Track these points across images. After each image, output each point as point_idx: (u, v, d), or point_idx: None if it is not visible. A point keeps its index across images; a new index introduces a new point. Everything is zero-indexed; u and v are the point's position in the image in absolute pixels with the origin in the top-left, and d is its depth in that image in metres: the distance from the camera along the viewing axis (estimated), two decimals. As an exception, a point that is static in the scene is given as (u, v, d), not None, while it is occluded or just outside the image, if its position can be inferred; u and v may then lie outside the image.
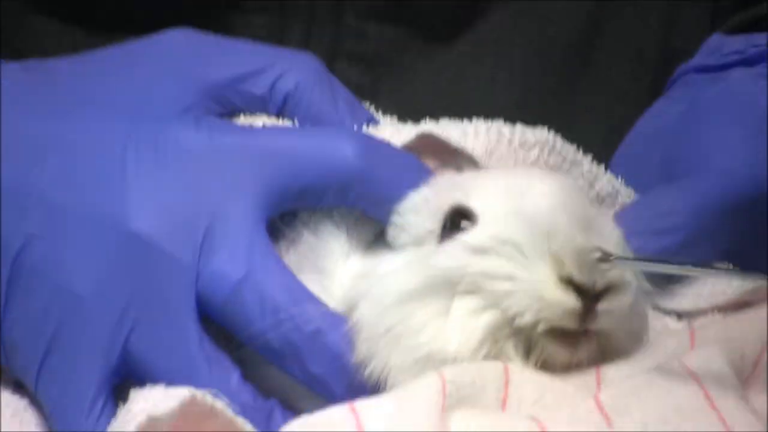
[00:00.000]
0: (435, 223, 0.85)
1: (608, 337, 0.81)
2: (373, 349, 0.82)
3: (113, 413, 0.83)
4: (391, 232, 0.87)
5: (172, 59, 0.92)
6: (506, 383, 0.77)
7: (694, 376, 0.76)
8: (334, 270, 0.87)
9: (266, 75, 0.92)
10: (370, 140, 0.88)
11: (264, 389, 0.86)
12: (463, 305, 0.81)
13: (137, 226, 0.85)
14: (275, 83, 0.92)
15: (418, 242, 0.85)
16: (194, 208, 0.85)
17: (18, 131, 0.88)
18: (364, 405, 0.74)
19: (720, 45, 1.09)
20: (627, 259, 0.82)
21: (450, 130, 0.90)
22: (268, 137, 0.87)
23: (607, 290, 0.80)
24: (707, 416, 0.74)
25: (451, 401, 0.74)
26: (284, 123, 0.92)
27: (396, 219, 0.86)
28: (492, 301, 0.81)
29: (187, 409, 0.79)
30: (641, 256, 0.84)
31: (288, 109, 0.92)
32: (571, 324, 0.79)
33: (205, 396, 0.80)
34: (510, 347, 0.81)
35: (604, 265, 0.80)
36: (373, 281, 0.84)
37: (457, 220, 0.84)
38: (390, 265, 0.85)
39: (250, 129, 0.89)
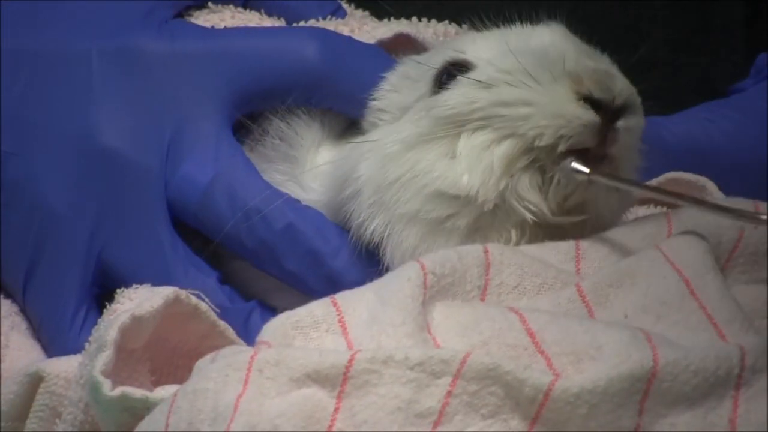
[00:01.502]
0: (423, 87, 0.84)
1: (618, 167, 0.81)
2: (377, 204, 0.81)
3: (96, 322, 0.84)
4: (370, 118, 0.86)
5: None
6: (487, 268, 0.76)
7: (673, 264, 0.75)
8: (305, 159, 0.87)
9: None
10: (333, 38, 0.87)
11: (243, 290, 0.87)
12: (472, 142, 0.80)
13: (105, 139, 0.85)
14: None
15: (405, 115, 0.85)
16: (160, 116, 0.86)
17: None
18: (346, 297, 0.74)
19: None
20: (618, 179, 0.81)
21: (424, 32, 0.89)
22: (230, 40, 0.87)
23: (624, 109, 0.79)
24: (688, 303, 0.74)
25: (432, 292, 0.74)
26: (250, 13, 0.92)
27: (374, 103, 0.86)
28: (507, 131, 0.79)
29: (171, 308, 0.79)
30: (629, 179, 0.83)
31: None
32: (591, 141, 0.79)
33: (189, 296, 0.80)
34: (525, 181, 0.80)
35: (618, 83, 0.79)
36: (368, 146, 0.83)
37: (452, 72, 0.83)
38: (381, 133, 0.84)
39: (213, 32, 0.88)
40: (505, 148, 0.80)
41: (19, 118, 0.87)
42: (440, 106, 0.81)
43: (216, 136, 0.85)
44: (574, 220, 0.81)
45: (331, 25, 0.90)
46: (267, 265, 0.85)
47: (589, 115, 0.78)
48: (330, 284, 0.82)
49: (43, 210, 0.86)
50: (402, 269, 0.74)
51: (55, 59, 0.87)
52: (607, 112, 0.78)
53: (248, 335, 0.83)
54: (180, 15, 0.92)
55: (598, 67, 0.80)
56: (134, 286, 0.85)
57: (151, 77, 0.86)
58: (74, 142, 0.86)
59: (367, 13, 0.95)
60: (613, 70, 0.81)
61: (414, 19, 0.90)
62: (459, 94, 0.81)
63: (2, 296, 0.90)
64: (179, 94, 0.86)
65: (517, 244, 0.81)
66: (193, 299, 0.81)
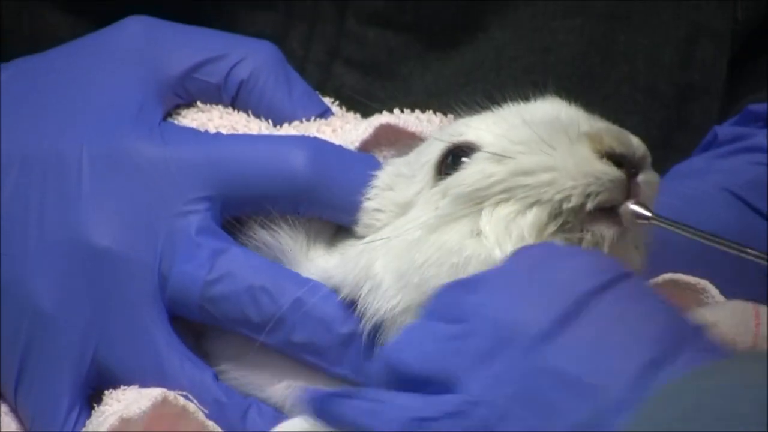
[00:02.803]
0: (422, 179, 0.85)
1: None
2: (404, 288, 0.81)
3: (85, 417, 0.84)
4: (365, 220, 0.87)
5: (132, 50, 0.92)
6: None
7: None
8: (296, 262, 0.87)
9: (223, 62, 0.93)
10: (322, 147, 0.88)
11: (237, 389, 0.87)
12: (496, 216, 0.81)
13: (95, 239, 0.86)
14: (231, 71, 0.92)
15: (407, 210, 0.86)
16: (151, 216, 0.86)
17: None
18: None
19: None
20: (665, 220, 0.81)
21: (406, 118, 0.90)
22: (220, 146, 0.88)
23: (643, 163, 0.80)
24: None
25: None
26: (237, 114, 0.92)
27: (368, 204, 0.87)
28: (532, 198, 0.80)
29: (159, 410, 0.80)
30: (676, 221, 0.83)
31: (241, 97, 0.93)
32: (618, 196, 0.79)
33: (177, 397, 0.81)
34: None
35: (634, 139, 0.80)
36: (378, 245, 0.84)
37: (457, 157, 0.84)
38: (390, 230, 0.85)
39: (203, 137, 0.89)
40: (533, 216, 0.80)
41: (8, 220, 0.87)
42: (459, 185, 0.82)
43: (208, 231, 0.86)
44: None
45: (314, 126, 0.92)
46: (276, 340, 0.85)
47: (615, 171, 0.79)
48: (342, 347, 0.83)
49: (33, 311, 0.86)
50: None
51: (44, 160, 0.88)
52: (629, 167, 0.80)
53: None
54: (168, 113, 0.93)
55: (612, 126, 0.82)
56: (122, 387, 0.85)
57: (142, 178, 0.87)
58: (64, 243, 0.86)
59: (358, 115, 0.96)
60: (628, 132, 0.82)
61: (396, 110, 0.91)
62: (476, 171, 0.82)
63: None
64: (170, 195, 0.86)
65: None
66: (181, 400, 0.81)
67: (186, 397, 0.82)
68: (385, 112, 0.91)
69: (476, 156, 0.83)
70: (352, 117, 0.94)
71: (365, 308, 0.83)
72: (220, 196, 0.86)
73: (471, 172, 0.82)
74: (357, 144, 0.89)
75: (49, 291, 0.86)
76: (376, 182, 0.87)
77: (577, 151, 0.80)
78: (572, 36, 1.10)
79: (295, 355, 0.85)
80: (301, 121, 0.92)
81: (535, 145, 0.81)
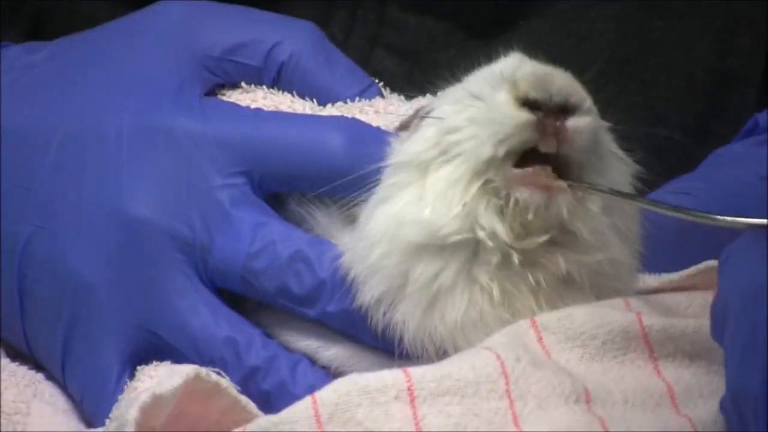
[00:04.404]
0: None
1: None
2: (369, 274, 0.82)
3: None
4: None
5: (170, 31, 0.93)
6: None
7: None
8: (332, 237, 0.87)
9: (262, 45, 0.93)
10: (360, 129, 0.88)
11: None
12: (436, 177, 0.81)
13: (135, 210, 0.86)
14: (270, 53, 0.92)
15: None
16: (190, 189, 0.87)
17: (19, 124, 0.90)
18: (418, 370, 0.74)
19: None
20: (602, 189, 0.80)
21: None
22: (258, 124, 0.88)
23: (569, 108, 0.79)
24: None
25: None
26: (282, 94, 0.92)
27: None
28: (458, 155, 0.80)
29: (191, 386, 0.79)
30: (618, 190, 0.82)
31: (283, 78, 0.93)
32: (528, 139, 0.78)
33: (209, 373, 0.81)
34: (482, 206, 0.79)
35: (557, 82, 0.79)
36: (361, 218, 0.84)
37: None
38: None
39: (243, 114, 0.89)
40: (455, 171, 0.80)
41: (49, 193, 0.88)
42: (399, 154, 0.83)
43: (249, 204, 0.86)
44: (538, 241, 0.80)
45: (357, 107, 0.91)
46: (317, 312, 0.85)
47: (523, 116, 0.78)
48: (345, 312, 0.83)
49: (77, 284, 0.87)
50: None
51: (84, 137, 0.89)
52: (547, 111, 0.78)
53: (294, 384, 0.84)
54: (213, 92, 0.93)
55: (537, 70, 0.80)
56: (154, 363, 0.85)
57: (181, 152, 0.87)
58: (103, 215, 0.87)
59: (402, 97, 0.95)
60: (559, 72, 0.80)
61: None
62: (416, 137, 0.82)
63: (26, 366, 0.90)
64: (209, 168, 0.87)
65: (501, 291, 0.80)
66: (214, 376, 0.80)
67: (218, 374, 0.81)
68: (428, 95, 0.91)
69: (423, 123, 0.83)
70: (396, 99, 0.94)
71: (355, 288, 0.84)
72: (258, 172, 0.87)
73: (413, 138, 0.83)
74: (396, 124, 0.89)
75: (90, 263, 0.87)
76: (389, 157, 0.86)
77: (495, 100, 0.79)
78: (610, 23, 1.10)
79: (334, 326, 0.85)
80: (345, 102, 0.92)
81: (465, 101, 0.81)
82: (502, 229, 0.79)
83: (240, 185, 0.87)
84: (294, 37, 0.93)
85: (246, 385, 0.84)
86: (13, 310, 0.89)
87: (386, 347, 0.83)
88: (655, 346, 0.76)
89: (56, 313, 0.87)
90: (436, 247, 0.80)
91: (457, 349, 0.80)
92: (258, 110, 0.90)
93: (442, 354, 0.81)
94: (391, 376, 0.74)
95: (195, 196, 0.86)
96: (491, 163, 0.79)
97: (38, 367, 0.91)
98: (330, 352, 0.86)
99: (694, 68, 1.12)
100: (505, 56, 0.85)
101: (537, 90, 0.78)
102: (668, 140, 1.09)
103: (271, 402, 0.84)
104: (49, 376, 0.90)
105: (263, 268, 0.85)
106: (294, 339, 0.87)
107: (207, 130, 0.87)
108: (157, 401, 0.78)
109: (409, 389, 0.73)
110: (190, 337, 0.85)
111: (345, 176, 0.85)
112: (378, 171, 0.85)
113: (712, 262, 0.89)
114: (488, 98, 0.80)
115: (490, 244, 0.80)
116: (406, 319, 0.81)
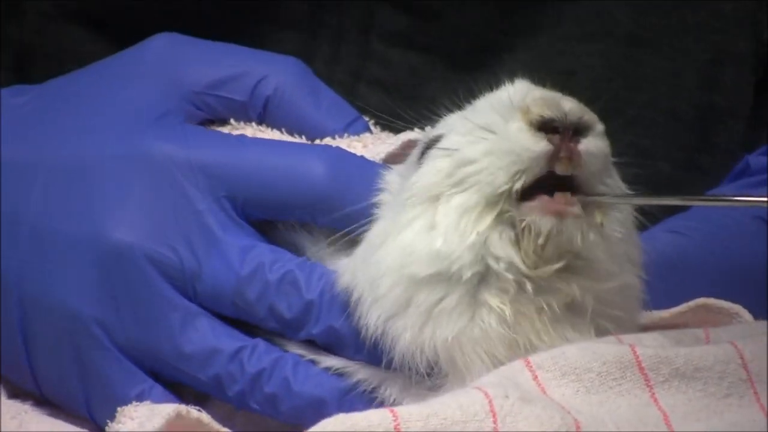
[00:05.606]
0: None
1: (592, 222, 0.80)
2: (372, 302, 0.81)
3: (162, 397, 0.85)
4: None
5: (155, 65, 0.92)
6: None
7: None
8: (320, 260, 0.87)
9: (247, 79, 0.92)
10: (343, 158, 0.87)
11: None
12: (448, 207, 0.80)
13: (119, 236, 0.85)
14: (255, 87, 0.92)
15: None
16: (176, 214, 0.86)
17: (9, 160, 0.89)
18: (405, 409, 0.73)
19: None
20: (613, 196, 0.81)
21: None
22: (241, 148, 0.87)
23: (580, 129, 0.78)
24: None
25: None
26: (272, 131, 0.92)
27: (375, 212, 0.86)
28: (470, 185, 0.79)
29: (173, 425, 0.78)
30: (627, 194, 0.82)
31: (270, 113, 0.92)
32: (543, 166, 0.78)
33: (189, 411, 0.80)
34: (496, 236, 0.79)
35: (568, 104, 0.78)
36: (359, 250, 0.84)
37: (427, 150, 0.83)
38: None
39: (225, 138, 0.89)
40: (468, 203, 0.79)
41: (35, 227, 0.87)
42: (410, 185, 0.82)
43: (235, 228, 0.86)
44: (553, 268, 0.79)
45: (345, 142, 0.91)
46: (305, 334, 0.84)
47: (539, 145, 0.78)
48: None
49: (72, 318, 0.86)
50: None
51: (69, 166, 0.88)
52: (563, 130, 0.78)
53: (298, 382, 0.84)
54: None
55: (546, 94, 0.80)
56: (134, 403, 0.83)
57: (165, 178, 0.86)
58: (90, 244, 0.86)
59: (391, 134, 0.95)
60: (565, 96, 0.80)
61: (428, 128, 0.90)
62: (427, 169, 0.82)
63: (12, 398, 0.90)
64: (193, 193, 0.86)
65: (513, 312, 0.79)
66: (194, 413, 0.80)
67: (198, 410, 0.80)
68: (416, 129, 0.90)
69: (431, 153, 0.83)
70: (386, 136, 0.93)
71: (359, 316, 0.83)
72: (240, 197, 0.86)
73: (423, 169, 0.82)
74: (383, 156, 0.89)
75: (80, 295, 0.85)
76: (381, 185, 0.86)
77: (509, 129, 0.79)
78: (595, 59, 1.10)
79: (320, 342, 0.85)
80: (333, 138, 0.91)
81: (478, 132, 0.81)
82: (517, 259, 0.79)
83: (226, 209, 0.86)
84: (279, 72, 0.92)
85: (252, 392, 0.83)
86: (17, 349, 0.88)
87: (372, 362, 0.83)
88: (650, 374, 0.75)
89: (60, 350, 0.86)
90: (444, 275, 0.80)
91: (453, 366, 0.80)
92: (242, 136, 0.90)
93: (432, 370, 0.81)
94: (378, 417, 0.72)
95: (181, 221, 0.85)
96: (506, 193, 0.79)
97: (24, 396, 0.89)
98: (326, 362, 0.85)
99: (680, 103, 1.12)
100: (502, 85, 0.85)
101: (550, 110, 0.78)
102: (658, 174, 1.09)
103: (276, 405, 0.84)
104: (36, 405, 0.89)
105: (253, 292, 0.84)
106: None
107: (190, 155, 0.86)
108: (140, 443, 0.77)
109: (396, 429, 0.72)
110: (191, 354, 0.84)
111: (326, 204, 0.85)
112: (368, 205, 0.85)
113: (703, 300, 0.89)
114: (501, 128, 0.80)
115: (507, 275, 0.79)
116: (401, 334, 0.80)
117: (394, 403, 0.83)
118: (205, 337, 0.85)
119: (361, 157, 0.88)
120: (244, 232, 0.86)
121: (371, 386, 0.84)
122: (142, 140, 0.87)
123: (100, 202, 0.86)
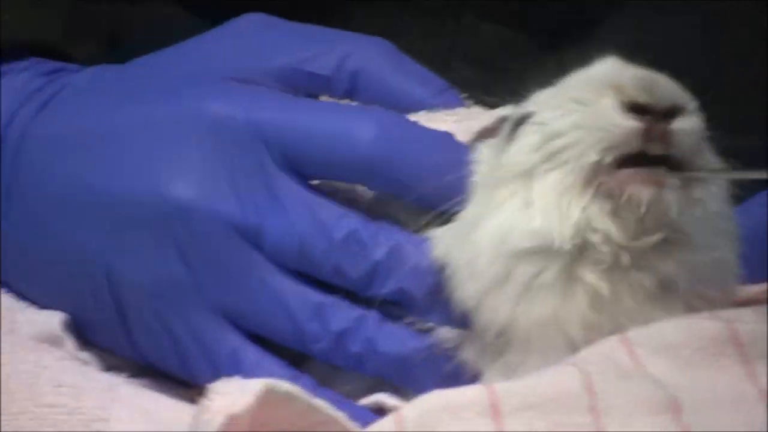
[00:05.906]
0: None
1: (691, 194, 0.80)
2: (468, 278, 0.82)
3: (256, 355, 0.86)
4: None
5: (241, 43, 0.93)
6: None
7: None
8: None
9: (332, 56, 0.92)
10: (392, 121, 0.87)
11: None
12: (545, 184, 0.80)
13: (178, 193, 0.86)
14: (341, 63, 0.92)
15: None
16: (235, 173, 0.86)
17: (77, 128, 0.91)
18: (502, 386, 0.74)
19: None
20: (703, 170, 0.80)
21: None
22: (296, 110, 0.88)
23: (674, 111, 0.78)
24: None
25: None
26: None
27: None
28: (564, 160, 0.79)
29: (265, 398, 0.78)
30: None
31: (357, 89, 0.92)
32: (635, 145, 0.78)
33: (280, 384, 0.79)
34: (595, 210, 0.79)
35: (662, 85, 0.78)
36: (455, 226, 0.84)
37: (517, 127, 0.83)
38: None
39: (284, 99, 0.89)
40: (566, 179, 0.79)
41: (101, 195, 0.88)
42: (502, 163, 0.82)
43: (297, 186, 0.86)
44: (652, 239, 0.79)
45: (438, 116, 0.90)
46: (372, 293, 0.85)
47: (630, 123, 0.78)
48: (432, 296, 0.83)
49: (150, 282, 0.87)
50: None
51: (134, 133, 0.89)
52: (655, 115, 0.78)
53: (382, 341, 0.84)
54: None
55: (641, 74, 0.80)
56: (223, 378, 0.83)
57: (224, 139, 0.87)
58: (148, 207, 0.87)
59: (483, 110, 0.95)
60: (661, 76, 0.80)
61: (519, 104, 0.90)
62: (518, 145, 0.82)
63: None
64: (249, 153, 0.87)
65: (613, 289, 0.79)
66: (284, 386, 0.79)
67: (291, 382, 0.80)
68: (509, 105, 0.90)
69: (522, 129, 0.83)
70: (479, 111, 0.93)
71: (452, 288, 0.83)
72: (298, 156, 0.86)
73: (515, 146, 0.82)
74: (476, 130, 0.88)
75: (155, 258, 0.87)
76: (477, 159, 0.86)
77: (601, 104, 0.79)
78: (688, 32, 1.11)
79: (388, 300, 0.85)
80: (426, 111, 0.91)
81: (568, 105, 0.80)
82: (616, 231, 0.79)
83: (287, 169, 0.86)
84: (365, 48, 0.93)
85: (336, 350, 0.85)
86: (112, 322, 0.89)
87: (448, 324, 0.84)
88: (747, 348, 0.76)
89: (149, 316, 0.87)
90: (543, 249, 0.80)
91: (539, 346, 0.81)
92: (302, 98, 0.90)
93: (504, 343, 0.82)
94: (473, 392, 0.73)
95: (242, 180, 0.86)
96: (599, 167, 0.79)
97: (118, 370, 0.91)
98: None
99: None
100: (594, 61, 0.84)
101: (644, 94, 0.78)
102: (753, 147, 1.08)
103: (361, 363, 0.84)
104: (128, 379, 0.89)
105: (318, 250, 0.84)
106: None
107: (249, 115, 0.87)
108: (232, 421, 0.77)
109: (492, 404, 0.72)
110: (265, 316, 0.85)
111: (375, 168, 0.85)
112: (428, 171, 0.84)
113: None
114: (592, 103, 0.80)
115: (605, 247, 0.79)
116: (499, 307, 0.81)
117: (472, 366, 0.84)
118: (282, 292, 0.85)
119: (414, 122, 0.88)
120: (306, 190, 0.86)
121: (452, 345, 0.84)
122: (202, 104, 0.88)
123: (157, 162, 0.87)
